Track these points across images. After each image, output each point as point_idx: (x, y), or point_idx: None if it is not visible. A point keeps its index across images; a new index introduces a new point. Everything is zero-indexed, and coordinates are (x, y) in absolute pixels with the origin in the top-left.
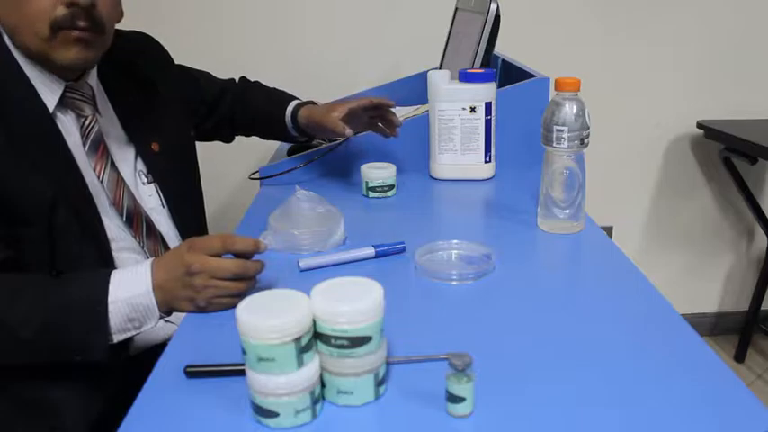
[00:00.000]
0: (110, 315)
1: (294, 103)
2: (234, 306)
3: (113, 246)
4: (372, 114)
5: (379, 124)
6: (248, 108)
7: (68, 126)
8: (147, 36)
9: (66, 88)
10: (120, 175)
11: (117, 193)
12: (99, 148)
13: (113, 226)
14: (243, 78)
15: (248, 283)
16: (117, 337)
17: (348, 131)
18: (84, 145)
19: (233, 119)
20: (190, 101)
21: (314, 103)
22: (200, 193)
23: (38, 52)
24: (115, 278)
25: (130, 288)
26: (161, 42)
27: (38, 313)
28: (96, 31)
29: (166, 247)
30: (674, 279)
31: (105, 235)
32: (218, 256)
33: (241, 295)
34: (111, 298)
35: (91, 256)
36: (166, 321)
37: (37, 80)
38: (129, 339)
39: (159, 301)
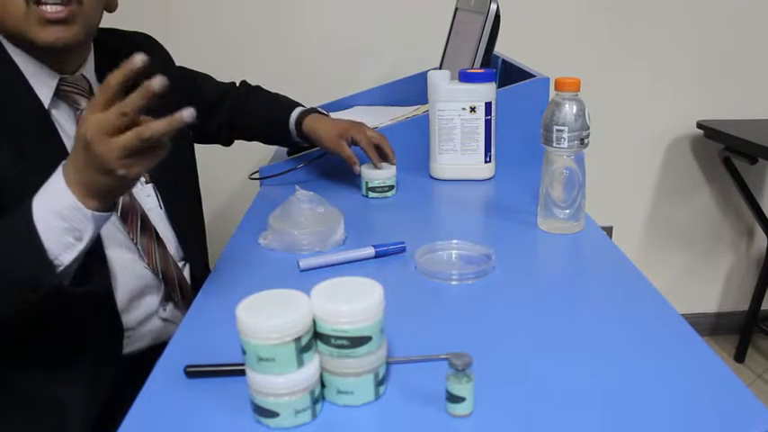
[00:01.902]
0: (40, 234)
1: (299, 109)
2: (147, 166)
3: (106, 243)
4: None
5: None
6: (250, 112)
7: (64, 121)
8: (148, 36)
9: (61, 81)
10: None
11: None
12: None
13: (108, 222)
14: (244, 82)
15: (146, 130)
16: (65, 258)
17: (358, 169)
18: None
19: (233, 123)
20: (189, 103)
21: (317, 111)
22: (198, 195)
23: (18, 34)
24: (35, 200)
25: (48, 198)
26: (162, 42)
27: None
28: (70, 3)
29: (162, 247)
30: (674, 279)
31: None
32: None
33: (147, 156)
34: (35, 216)
35: (84, 253)
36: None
37: (30, 74)
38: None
39: (81, 196)
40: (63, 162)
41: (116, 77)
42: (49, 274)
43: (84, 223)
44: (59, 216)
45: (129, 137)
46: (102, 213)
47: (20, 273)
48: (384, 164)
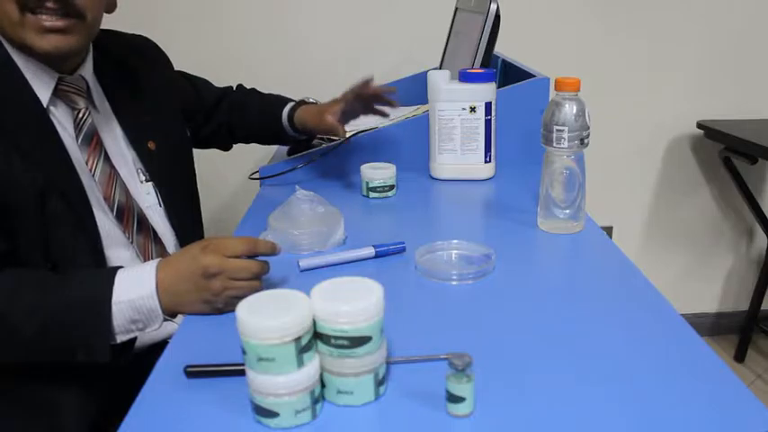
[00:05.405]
0: (113, 317)
1: (289, 105)
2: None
3: (105, 242)
4: (364, 102)
5: (376, 106)
6: (246, 114)
7: (63, 119)
8: (148, 39)
9: (60, 81)
10: (113, 170)
11: (108, 187)
12: (92, 141)
13: (106, 220)
14: (240, 86)
15: (260, 283)
16: (120, 338)
17: (343, 132)
18: (77, 138)
19: (230, 126)
20: (186, 105)
21: (306, 102)
22: (197, 194)
23: (14, 38)
24: (119, 278)
25: (134, 290)
26: (161, 45)
27: (40, 312)
28: (69, 15)
29: (159, 245)
30: (674, 279)
31: (96, 229)
32: (235, 257)
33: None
34: (114, 299)
35: (85, 251)
36: (166, 320)
37: (29, 73)
38: (133, 339)
39: (164, 303)
40: (160, 260)
41: (269, 248)
42: (103, 349)
43: (153, 323)
44: (135, 309)
45: (250, 286)
46: (171, 318)
47: (78, 339)
48: (384, 163)
